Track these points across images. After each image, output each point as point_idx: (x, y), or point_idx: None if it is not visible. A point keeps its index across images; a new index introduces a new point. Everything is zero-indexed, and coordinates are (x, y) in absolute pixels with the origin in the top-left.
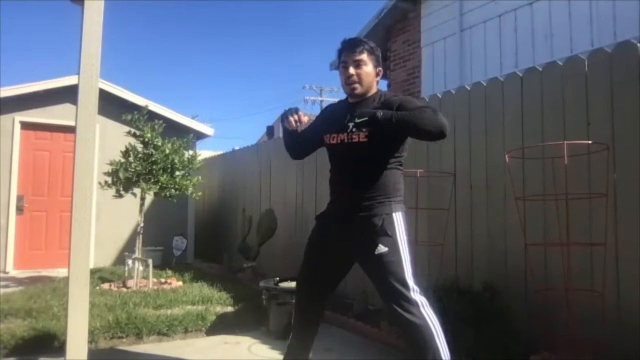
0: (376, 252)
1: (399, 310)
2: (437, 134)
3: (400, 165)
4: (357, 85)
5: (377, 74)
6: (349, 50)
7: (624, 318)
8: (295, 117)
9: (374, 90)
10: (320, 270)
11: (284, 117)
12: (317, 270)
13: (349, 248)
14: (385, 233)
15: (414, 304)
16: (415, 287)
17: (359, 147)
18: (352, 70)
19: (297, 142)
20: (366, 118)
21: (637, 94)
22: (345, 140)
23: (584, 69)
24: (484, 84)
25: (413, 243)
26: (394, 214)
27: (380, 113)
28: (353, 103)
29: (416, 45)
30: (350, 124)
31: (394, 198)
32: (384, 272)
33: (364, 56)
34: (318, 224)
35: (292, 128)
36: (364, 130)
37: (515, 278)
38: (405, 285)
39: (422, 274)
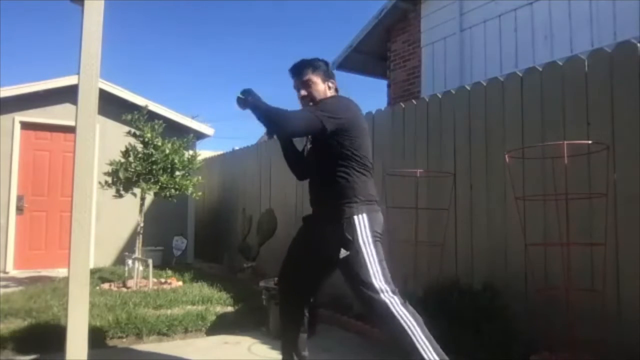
0: (340, 257)
1: (369, 311)
2: (278, 132)
3: (360, 165)
4: (310, 104)
5: (329, 87)
6: (295, 76)
7: (624, 318)
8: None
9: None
10: (300, 269)
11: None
12: (296, 268)
13: (314, 251)
14: (346, 237)
15: (381, 305)
16: (384, 287)
17: (312, 153)
18: (303, 92)
19: (296, 162)
20: (241, 96)
21: (637, 94)
22: (306, 149)
23: (584, 69)
24: (484, 84)
25: (413, 243)
26: (355, 217)
27: (256, 100)
28: None
29: (416, 45)
30: None
31: (355, 199)
32: (349, 276)
33: (309, 76)
34: (304, 224)
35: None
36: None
37: (516, 278)
38: (371, 287)
39: (422, 274)
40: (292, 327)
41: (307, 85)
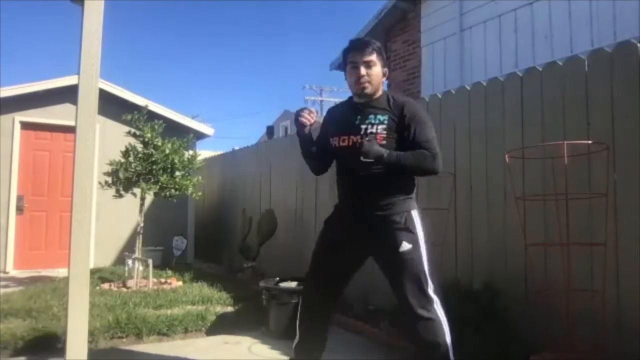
0: (400, 250)
1: (417, 307)
2: (429, 175)
3: None
4: (367, 85)
5: (384, 75)
6: (359, 50)
7: (624, 318)
8: (306, 111)
9: (381, 91)
10: (332, 271)
11: (297, 117)
12: (328, 271)
13: (363, 248)
14: (408, 230)
15: (431, 301)
16: (432, 285)
17: (357, 150)
18: (363, 70)
19: (315, 157)
20: (372, 160)
21: (637, 94)
22: (360, 142)
23: (584, 69)
24: (484, 84)
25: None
26: (412, 212)
27: (386, 155)
28: (361, 103)
29: (416, 45)
30: (363, 126)
31: (410, 196)
32: (406, 269)
33: (374, 57)
34: (328, 226)
35: (309, 122)
36: (380, 132)
37: (516, 278)
38: (426, 282)
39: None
40: (322, 328)
41: (369, 65)
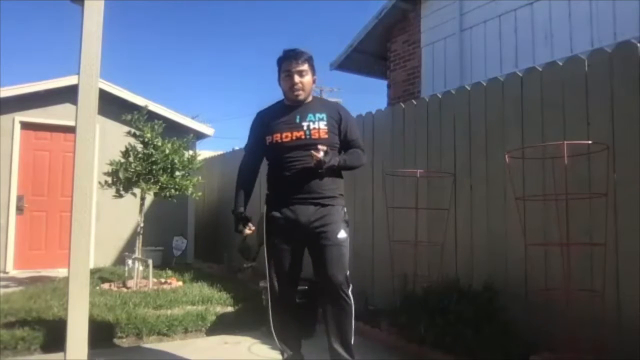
0: (338, 237)
1: (341, 289)
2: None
3: None
4: (301, 92)
5: (314, 82)
6: (292, 60)
7: (623, 318)
8: (247, 229)
9: (311, 96)
10: (295, 267)
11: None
12: (292, 268)
13: (306, 237)
14: (347, 222)
15: (348, 286)
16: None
17: (318, 142)
18: (297, 78)
19: (253, 169)
20: (331, 165)
21: (637, 94)
22: (303, 137)
23: (584, 69)
24: (484, 84)
25: (413, 243)
26: (345, 207)
27: (336, 164)
28: (295, 106)
29: (416, 45)
30: (305, 124)
31: (342, 193)
32: (340, 255)
33: (306, 66)
34: (276, 224)
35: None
36: (322, 128)
37: (516, 278)
38: (346, 271)
39: (422, 274)
40: (295, 322)
41: (301, 74)
